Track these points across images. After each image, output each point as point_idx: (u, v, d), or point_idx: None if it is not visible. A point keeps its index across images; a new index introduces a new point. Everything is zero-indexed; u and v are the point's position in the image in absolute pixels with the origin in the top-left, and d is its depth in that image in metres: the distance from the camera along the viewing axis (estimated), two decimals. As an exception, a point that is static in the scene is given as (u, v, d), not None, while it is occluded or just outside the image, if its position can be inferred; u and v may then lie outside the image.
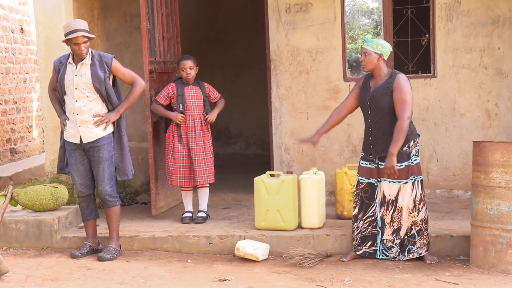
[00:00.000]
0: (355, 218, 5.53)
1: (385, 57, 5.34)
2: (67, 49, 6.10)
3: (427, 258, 5.39)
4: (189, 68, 6.30)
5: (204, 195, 6.47)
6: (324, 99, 7.18)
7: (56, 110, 5.78)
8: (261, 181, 5.93)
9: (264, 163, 7.99)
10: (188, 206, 6.47)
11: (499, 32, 6.93)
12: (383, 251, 5.44)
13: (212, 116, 6.38)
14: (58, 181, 6.63)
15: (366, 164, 5.47)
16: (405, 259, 5.40)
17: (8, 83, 10.07)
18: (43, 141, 10.48)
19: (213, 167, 6.42)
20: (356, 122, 7.04)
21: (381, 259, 5.44)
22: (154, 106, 6.37)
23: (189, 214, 6.43)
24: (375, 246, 5.46)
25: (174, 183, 6.40)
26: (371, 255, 5.48)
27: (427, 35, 7.11)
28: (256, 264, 5.48)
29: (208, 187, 6.51)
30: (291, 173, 6.07)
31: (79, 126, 5.55)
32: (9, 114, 10.07)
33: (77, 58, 5.54)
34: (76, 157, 5.64)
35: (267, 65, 7.27)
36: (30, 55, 10.86)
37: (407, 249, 5.40)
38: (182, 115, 6.27)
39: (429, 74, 7.11)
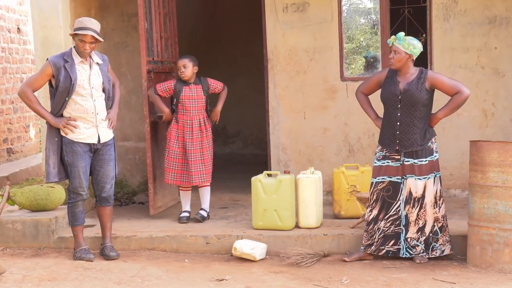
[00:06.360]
0: (375, 220, 5.43)
1: (414, 57, 5.36)
2: (64, 49, 6.10)
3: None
4: (183, 66, 6.26)
5: (205, 194, 6.46)
6: (321, 99, 7.18)
7: (44, 114, 5.45)
8: (259, 181, 5.93)
9: (262, 163, 7.99)
10: (186, 206, 6.47)
11: (496, 32, 6.93)
12: (407, 249, 5.39)
13: (216, 115, 6.46)
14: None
15: (388, 163, 5.40)
16: (428, 257, 5.38)
17: (5, 83, 10.06)
18: (40, 141, 10.49)
19: (210, 168, 6.41)
20: (354, 122, 7.06)
21: (405, 257, 5.41)
22: (151, 93, 6.34)
23: (187, 214, 6.42)
24: (399, 245, 5.40)
25: (165, 181, 6.42)
26: (395, 254, 5.42)
27: (424, 35, 7.12)
28: (254, 264, 5.48)
29: (209, 186, 6.51)
30: (289, 172, 6.08)
31: (98, 126, 5.53)
32: (6, 114, 10.07)
33: (80, 55, 5.43)
34: (86, 159, 5.53)
35: (265, 65, 7.26)
36: (27, 55, 10.85)
37: (431, 246, 5.38)
38: (168, 115, 6.33)
39: (426, 74, 7.10)
